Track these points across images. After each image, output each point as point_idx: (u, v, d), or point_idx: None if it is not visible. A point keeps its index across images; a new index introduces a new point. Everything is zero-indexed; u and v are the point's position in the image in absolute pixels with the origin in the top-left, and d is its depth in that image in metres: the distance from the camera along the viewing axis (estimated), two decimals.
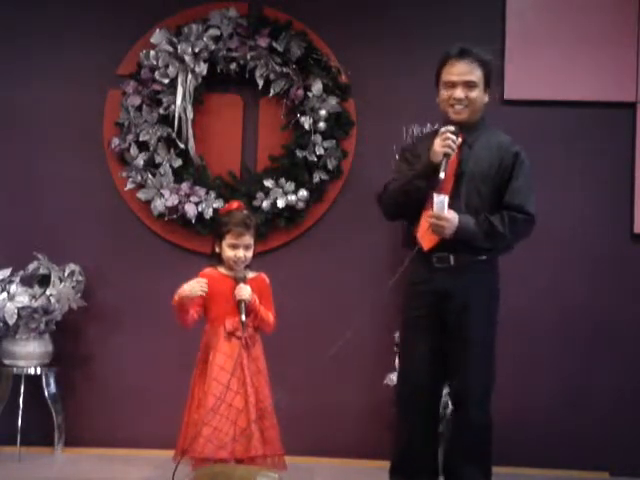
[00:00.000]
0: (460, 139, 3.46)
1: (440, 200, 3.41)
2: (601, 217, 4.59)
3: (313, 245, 4.71)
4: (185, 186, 4.59)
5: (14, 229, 4.72)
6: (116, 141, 4.65)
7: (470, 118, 3.54)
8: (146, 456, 4.49)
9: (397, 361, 3.81)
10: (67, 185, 4.75)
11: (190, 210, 4.57)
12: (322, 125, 4.56)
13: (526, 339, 4.50)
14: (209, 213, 4.58)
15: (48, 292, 4.47)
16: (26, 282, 4.52)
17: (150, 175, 4.62)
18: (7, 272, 4.48)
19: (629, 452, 4.48)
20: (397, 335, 3.86)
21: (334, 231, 4.69)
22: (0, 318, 4.42)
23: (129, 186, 4.66)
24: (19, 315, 4.43)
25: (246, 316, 3.61)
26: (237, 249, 3.66)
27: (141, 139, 4.61)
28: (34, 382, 4.52)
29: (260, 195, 4.61)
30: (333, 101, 4.59)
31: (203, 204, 4.59)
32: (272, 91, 4.64)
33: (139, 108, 4.62)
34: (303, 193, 4.59)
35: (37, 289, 4.50)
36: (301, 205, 4.61)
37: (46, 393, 4.54)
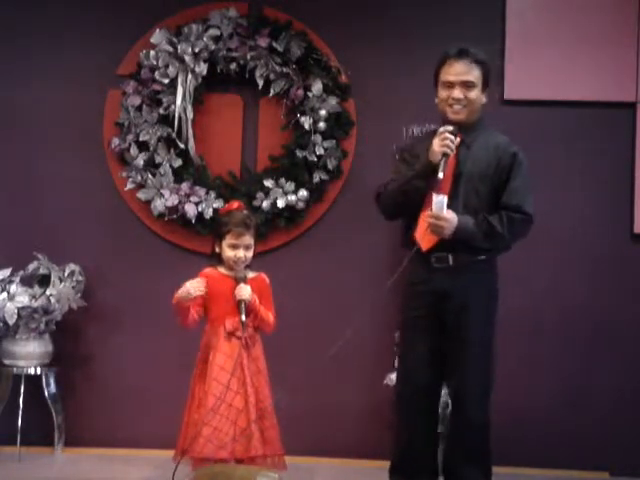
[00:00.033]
0: (458, 139, 3.46)
1: (439, 200, 3.40)
2: (601, 217, 4.58)
3: (313, 245, 4.71)
4: (185, 186, 4.59)
5: (14, 229, 4.72)
6: (116, 141, 4.65)
7: (468, 118, 3.54)
8: (146, 456, 4.49)
9: (397, 361, 3.81)
10: (67, 185, 4.75)
11: (190, 210, 4.57)
12: (322, 125, 4.56)
13: (526, 339, 4.50)
14: (209, 213, 4.58)
15: (48, 292, 4.47)
16: (26, 282, 4.52)
17: (150, 175, 4.62)
18: (7, 272, 4.48)
19: (629, 452, 4.48)
20: (397, 335, 3.86)
21: (334, 231, 4.69)
22: (0, 318, 4.42)
23: (129, 186, 4.66)
24: (19, 315, 4.43)
25: (246, 316, 3.61)
26: (237, 249, 3.66)
27: (141, 139, 4.61)
28: (34, 382, 4.52)
29: (260, 195, 4.61)
30: (333, 101, 4.59)
31: (203, 204, 4.58)
32: (272, 91, 4.64)
33: (139, 108, 4.62)
34: (303, 193, 4.59)
35: (37, 289, 4.50)
36: (301, 205, 4.61)
37: (46, 393, 4.54)
